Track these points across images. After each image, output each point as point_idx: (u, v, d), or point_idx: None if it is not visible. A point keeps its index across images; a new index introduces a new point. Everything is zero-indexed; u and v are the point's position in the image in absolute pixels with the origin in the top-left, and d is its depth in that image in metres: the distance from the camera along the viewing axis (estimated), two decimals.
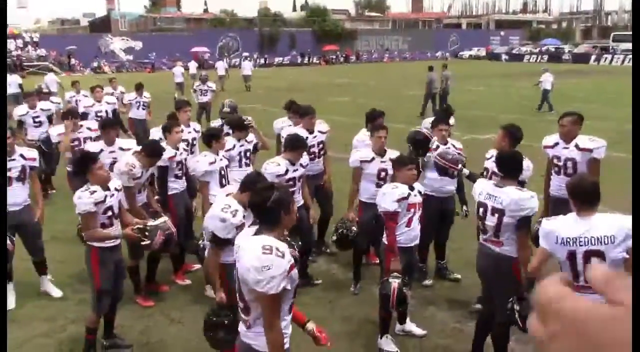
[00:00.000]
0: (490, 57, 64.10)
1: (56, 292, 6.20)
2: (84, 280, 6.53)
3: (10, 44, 48.92)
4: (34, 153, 6.11)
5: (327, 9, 73.16)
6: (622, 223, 3.43)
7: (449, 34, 79.04)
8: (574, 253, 3.51)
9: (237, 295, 3.21)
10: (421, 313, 5.67)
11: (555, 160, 5.83)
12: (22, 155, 5.89)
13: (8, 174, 5.67)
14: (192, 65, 29.94)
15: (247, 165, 6.84)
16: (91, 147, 6.48)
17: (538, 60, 58.48)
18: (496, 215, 4.37)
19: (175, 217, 6.14)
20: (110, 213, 4.85)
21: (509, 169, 4.47)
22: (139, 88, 12.92)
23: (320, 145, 7.03)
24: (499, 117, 17.85)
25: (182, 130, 6.67)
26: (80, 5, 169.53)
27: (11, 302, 5.92)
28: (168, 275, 6.58)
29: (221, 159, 6.25)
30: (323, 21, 68.26)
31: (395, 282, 4.76)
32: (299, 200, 6.12)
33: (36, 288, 6.18)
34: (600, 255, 3.42)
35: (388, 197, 4.89)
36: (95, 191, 4.64)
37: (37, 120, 9.65)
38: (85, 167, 4.75)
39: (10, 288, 6.01)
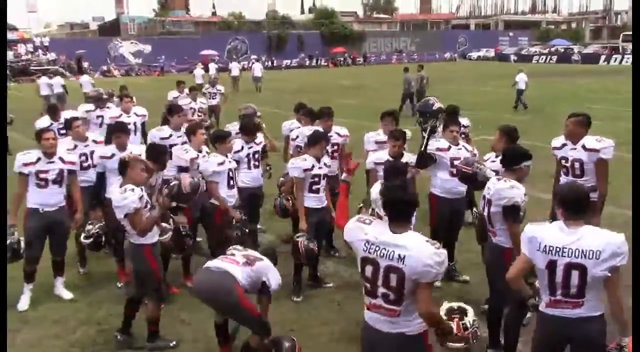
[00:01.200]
0: (499, 58, 63.87)
1: (67, 295, 6.21)
2: (93, 282, 6.59)
3: (21, 49, 49.31)
4: (73, 157, 6.18)
5: (335, 11, 73.32)
6: (610, 239, 3.27)
7: (458, 34, 78.93)
8: (555, 263, 3.32)
9: (383, 286, 3.24)
10: None
11: (563, 162, 5.80)
12: (61, 159, 5.96)
13: (45, 175, 5.82)
14: (212, 67, 31.07)
15: (255, 167, 6.88)
16: (103, 151, 6.43)
17: (547, 61, 58.25)
18: (487, 206, 4.64)
19: (190, 219, 6.24)
20: (149, 206, 5.02)
21: (508, 161, 4.63)
22: (191, 90, 12.82)
23: (335, 147, 7.04)
24: (508, 118, 17.80)
25: (204, 133, 6.70)
26: (90, 10, 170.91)
27: (24, 304, 5.96)
28: (176, 277, 6.60)
29: (230, 161, 6.29)
30: (331, 23, 68.36)
31: (300, 239, 5.74)
32: (323, 200, 6.19)
33: (47, 290, 6.19)
34: (583, 269, 3.26)
35: (297, 167, 5.89)
36: (133, 188, 4.81)
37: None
38: (126, 168, 4.94)
39: (26, 290, 6.02)
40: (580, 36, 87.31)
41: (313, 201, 6.07)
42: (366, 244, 3.27)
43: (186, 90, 13.26)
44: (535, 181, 6.04)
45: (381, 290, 3.24)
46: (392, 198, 3.28)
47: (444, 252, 3.19)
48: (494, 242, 4.67)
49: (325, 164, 6.17)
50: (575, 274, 3.29)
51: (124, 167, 4.97)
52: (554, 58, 58.95)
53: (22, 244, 5.75)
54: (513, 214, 4.45)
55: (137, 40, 57.44)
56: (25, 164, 5.82)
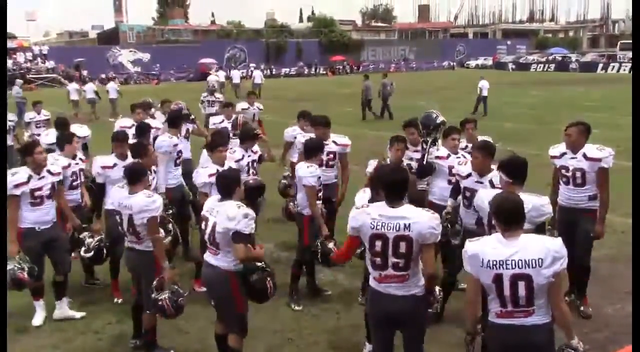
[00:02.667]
0: (497, 66, 64.09)
1: (78, 314, 6.00)
2: (90, 291, 6.56)
3: (20, 57, 49.39)
4: (57, 167, 5.88)
5: (334, 19, 73.58)
6: (549, 246, 3.32)
7: (456, 43, 79.24)
8: (501, 277, 3.32)
9: (393, 255, 3.76)
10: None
11: (563, 171, 5.74)
12: (49, 171, 5.69)
13: (40, 193, 5.55)
14: (221, 75, 32.75)
15: (254, 175, 6.87)
16: (104, 161, 6.23)
17: (545, 69, 58.46)
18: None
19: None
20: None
21: (520, 173, 4.42)
22: (250, 96, 12.04)
23: (331, 155, 7.00)
24: (506, 126, 17.84)
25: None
26: (89, 18, 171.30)
27: (39, 319, 5.79)
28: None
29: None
30: (330, 32, 68.62)
31: (331, 244, 5.76)
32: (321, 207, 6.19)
33: (45, 299, 6.14)
34: (528, 279, 3.28)
35: (314, 176, 5.89)
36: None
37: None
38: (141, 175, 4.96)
39: (38, 306, 5.85)
40: (578, 44, 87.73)
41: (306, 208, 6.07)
42: (372, 222, 3.77)
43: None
44: (537, 190, 6.00)
45: (392, 260, 3.76)
46: (388, 179, 3.86)
47: (437, 214, 3.86)
48: None
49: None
50: (521, 285, 3.30)
51: (138, 174, 4.93)
52: (552, 66, 59.18)
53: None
54: (544, 228, 4.44)
55: (136, 49, 57.58)
56: (17, 185, 5.41)
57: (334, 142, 7.06)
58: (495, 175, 5.00)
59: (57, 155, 6.30)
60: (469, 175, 5.39)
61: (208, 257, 4.57)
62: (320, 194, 6.10)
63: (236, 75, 33.78)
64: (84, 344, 5.45)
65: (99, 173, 6.15)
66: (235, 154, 6.66)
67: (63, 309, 5.94)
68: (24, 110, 18.65)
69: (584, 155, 5.55)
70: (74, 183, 6.45)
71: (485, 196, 4.36)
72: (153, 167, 6.03)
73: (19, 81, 25.57)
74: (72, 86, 24.36)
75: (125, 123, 8.75)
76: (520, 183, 4.39)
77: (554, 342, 3.48)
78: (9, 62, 47.20)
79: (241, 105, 11.41)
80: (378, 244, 3.77)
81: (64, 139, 6.53)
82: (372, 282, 3.96)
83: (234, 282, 4.47)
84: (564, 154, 5.72)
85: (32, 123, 12.08)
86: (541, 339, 3.40)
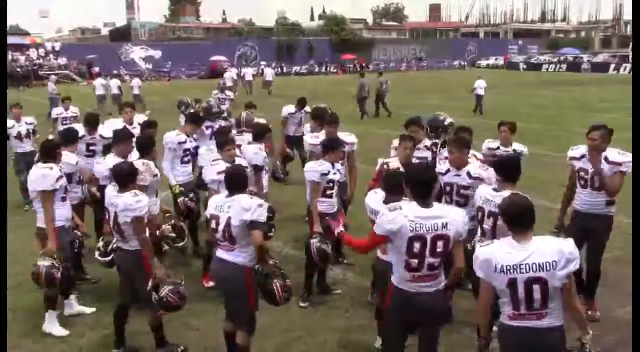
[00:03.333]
0: (508, 66, 63.79)
1: (89, 309, 6.06)
2: (100, 287, 6.60)
3: (33, 53, 49.71)
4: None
5: (345, 18, 73.46)
6: (562, 247, 3.30)
7: (467, 42, 78.93)
8: (515, 281, 3.31)
9: (430, 256, 3.77)
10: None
11: (581, 173, 5.62)
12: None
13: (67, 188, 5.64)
14: (233, 72, 34.46)
15: (266, 171, 6.94)
16: (112, 162, 5.95)
17: (557, 70, 58.12)
18: (491, 218, 4.53)
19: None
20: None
21: (506, 172, 4.52)
22: (300, 102, 10.95)
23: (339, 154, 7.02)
24: (522, 126, 17.72)
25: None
26: (101, 15, 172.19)
27: (58, 330, 5.59)
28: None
29: None
30: (341, 30, 68.50)
31: (313, 241, 5.70)
32: (335, 205, 6.24)
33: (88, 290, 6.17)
34: (543, 282, 3.27)
35: (314, 171, 5.96)
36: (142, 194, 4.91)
37: None
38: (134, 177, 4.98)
39: (53, 317, 5.64)
40: (589, 45, 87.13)
41: (325, 205, 6.07)
42: (411, 224, 3.72)
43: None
44: (548, 190, 5.99)
45: (428, 260, 3.77)
46: (418, 179, 3.87)
47: (465, 211, 4.02)
48: None
49: (338, 170, 6.22)
50: (536, 288, 3.29)
51: (131, 176, 4.91)
52: (564, 66, 58.81)
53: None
54: None
55: (147, 46, 57.77)
56: (57, 179, 5.39)
57: (342, 141, 7.08)
58: (472, 167, 5.33)
59: (65, 152, 6.06)
60: (448, 170, 5.51)
61: (221, 253, 4.56)
62: (331, 191, 6.12)
63: (249, 72, 34.62)
64: (93, 339, 5.49)
65: (106, 175, 5.93)
66: (252, 151, 6.75)
67: (73, 305, 5.99)
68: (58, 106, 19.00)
69: (605, 159, 5.40)
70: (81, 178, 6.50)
71: (481, 193, 4.64)
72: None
73: (53, 77, 26.52)
74: (99, 81, 25.27)
75: (115, 125, 8.14)
76: (512, 181, 4.46)
77: (565, 344, 3.47)
78: (21, 58, 47.58)
79: (287, 109, 10.80)
80: (417, 245, 3.75)
81: (68, 138, 6.44)
82: (400, 284, 3.91)
83: (249, 278, 4.49)
84: (583, 156, 5.59)
85: (59, 119, 12.03)
86: (553, 342, 3.39)
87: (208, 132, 8.38)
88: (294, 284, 6.37)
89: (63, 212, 5.53)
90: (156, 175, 5.89)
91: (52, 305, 5.57)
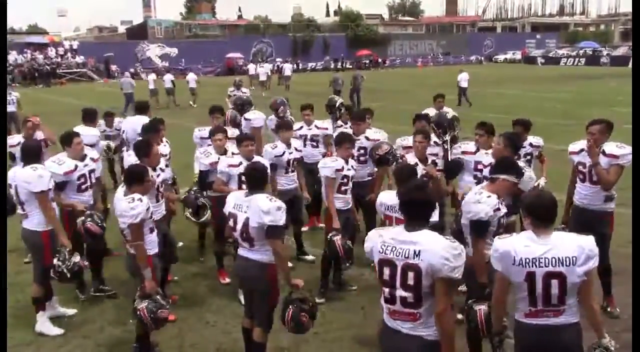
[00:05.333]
0: (526, 60, 63.19)
1: (70, 311, 5.98)
2: (119, 284, 6.65)
3: (51, 52, 50.20)
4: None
5: (361, 14, 73.22)
6: (582, 244, 3.26)
7: (484, 37, 78.24)
8: (533, 275, 3.26)
9: (401, 287, 3.23)
10: None
11: (580, 167, 5.62)
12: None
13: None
14: (267, 68, 35.88)
15: (292, 171, 6.98)
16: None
17: (575, 63, 57.45)
18: (460, 217, 4.56)
19: (216, 218, 6.18)
20: (153, 217, 5.12)
21: (491, 170, 4.56)
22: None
23: (362, 151, 7.00)
24: (540, 121, 17.57)
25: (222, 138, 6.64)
26: (118, 13, 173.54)
27: (50, 329, 5.56)
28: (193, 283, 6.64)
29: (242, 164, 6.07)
30: (356, 26, 68.27)
31: (336, 238, 5.72)
32: (349, 201, 6.27)
33: (73, 291, 6.26)
34: (561, 277, 3.23)
35: (329, 167, 5.96)
36: (141, 198, 4.82)
37: None
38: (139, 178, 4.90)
39: (45, 318, 5.60)
40: (609, 38, 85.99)
41: (340, 202, 6.09)
42: (382, 246, 3.31)
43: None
44: (564, 184, 5.93)
45: (400, 293, 3.24)
46: (407, 199, 3.34)
47: (461, 246, 3.22)
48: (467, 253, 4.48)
49: (352, 167, 6.23)
50: (554, 283, 3.25)
51: (134, 176, 4.86)
52: (582, 60, 58.06)
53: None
54: (477, 229, 4.27)
55: (164, 44, 58.07)
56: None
57: (366, 137, 7.04)
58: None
59: (63, 157, 5.96)
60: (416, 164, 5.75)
61: (243, 251, 4.56)
62: (346, 187, 6.11)
63: (266, 67, 36.00)
64: (112, 334, 5.55)
65: None
66: (276, 150, 6.76)
67: (54, 307, 5.87)
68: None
69: (603, 152, 5.38)
70: (83, 186, 6.05)
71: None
72: (159, 166, 5.85)
73: (127, 74, 27.85)
74: (151, 77, 27.65)
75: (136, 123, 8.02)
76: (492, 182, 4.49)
77: (582, 342, 3.43)
78: (39, 57, 48.05)
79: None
80: (386, 271, 3.29)
81: (64, 140, 6.05)
82: (384, 315, 3.46)
83: (271, 273, 4.51)
84: (582, 150, 5.58)
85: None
86: (570, 339, 3.36)
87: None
88: (312, 278, 6.44)
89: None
90: (157, 175, 5.72)
91: (41, 307, 5.56)
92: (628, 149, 5.32)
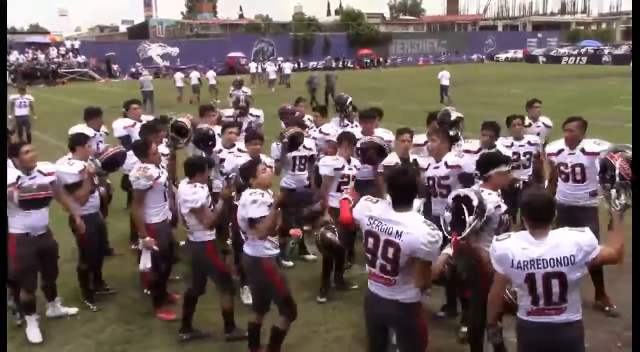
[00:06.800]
0: (527, 59, 63.12)
1: (72, 310, 5.93)
2: (120, 283, 6.66)
3: (52, 52, 50.23)
4: (50, 167, 5.56)
5: (362, 13, 73.21)
6: (579, 240, 3.25)
7: (485, 36, 78.22)
8: (533, 276, 3.28)
9: (381, 257, 3.58)
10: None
11: (561, 168, 5.72)
12: (40, 171, 5.36)
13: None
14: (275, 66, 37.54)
15: (300, 170, 6.93)
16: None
17: (577, 62, 57.38)
18: None
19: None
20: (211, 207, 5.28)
21: (479, 169, 4.58)
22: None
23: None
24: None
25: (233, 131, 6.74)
26: (119, 13, 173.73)
27: (36, 336, 5.40)
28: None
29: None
30: (357, 25, 68.31)
31: (320, 231, 5.77)
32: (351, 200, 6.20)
33: (75, 290, 6.24)
34: (562, 276, 3.25)
35: (328, 165, 6.05)
36: (203, 186, 5.13)
37: None
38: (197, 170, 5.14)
39: (31, 321, 5.46)
40: (611, 37, 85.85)
41: (337, 201, 6.07)
42: (370, 219, 3.64)
43: None
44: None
45: (379, 261, 3.60)
46: (394, 182, 3.62)
47: (439, 233, 3.46)
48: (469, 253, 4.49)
49: (355, 166, 6.21)
50: (555, 283, 3.26)
51: (195, 167, 5.14)
52: (584, 59, 58.01)
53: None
54: (482, 226, 4.23)
55: (165, 43, 58.10)
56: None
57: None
58: (450, 156, 5.52)
59: (70, 158, 5.88)
60: (429, 166, 5.68)
61: (244, 247, 4.77)
62: (346, 187, 6.09)
63: (271, 71, 36.50)
64: (114, 334, 5.55)
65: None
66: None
67: (56, 307, 5.84)
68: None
69: (582, 150, 5.52)
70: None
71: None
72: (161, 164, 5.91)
73: (146, 72, 30.03)
74: (178, 75, 29.51)
75: (125, 123, 8.15)
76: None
77: (583, 339, 3.44)
78: (41, 57, 48.10)
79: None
80: (370, 241, 3.64)
81: (75, 141, 6.02)
82: (368, 281, 3.83)
83: (267, 267, 4.64)
84: (561, 150, 5.70)
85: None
86: (572, 336, 3.37)
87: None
88: (313, 278, 6.43)
89: (25, 220, 5.23)
90: (157, 178, 5.61)
91: (31, 310, 5.45)
92: (606, 145, 5.29)
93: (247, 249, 4.70)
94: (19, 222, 5.19)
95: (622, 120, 5.84)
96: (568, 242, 3.26)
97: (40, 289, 5.65)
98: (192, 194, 4.97)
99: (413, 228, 3.43)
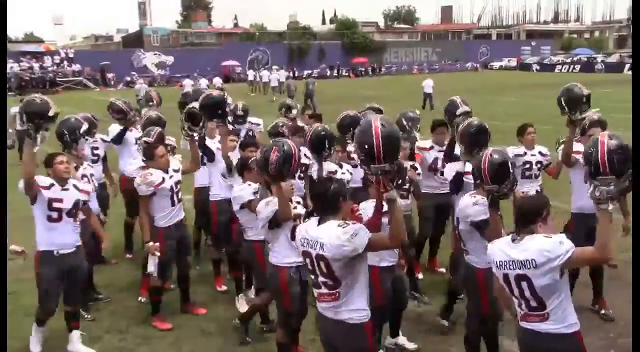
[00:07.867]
0: (521, 67, 63.45)
1: (85, 349, 5.35)
2: (116, 291, 6.64)
3: (47, 60, 50.21)
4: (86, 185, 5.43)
5: (356, 21, 73.52)
6: (541, 246, 3.19)
7: (479, 44, 78.56)
8: (508, 277, 3.33)
9: (320, 274, 3.52)
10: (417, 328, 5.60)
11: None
12: (75, 186, 5.13)
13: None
14: (282, 75, 38.77)
15: (300, 178, 6.85)
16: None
17: (570, 70, 57.70)
18: (457, 223, 4.56)
19: (214, 225, 6.54)
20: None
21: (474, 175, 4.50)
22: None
23: None
24: (538, 128, 17.59)
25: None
26: (114, 22, 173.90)
27: (35, 347, 5.25)
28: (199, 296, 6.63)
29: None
30: (352, 34, 68.53)
31: None
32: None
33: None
34: (528, 279, 3.23)
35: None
36: (251, 184, 5.28)
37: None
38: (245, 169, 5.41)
39: (37, 332, 5.26)
40: (603, 45, 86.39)
41: None
42: (302, 240, 3.62)
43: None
44: (559, 192, 5.97)
45: (320, 279, 3.54)
46: (314, 192, 3.65)
47: (354, 226, 3.40)
48: (467, 261, 4.54)
49: (347, 171, 6.17)
50: (524, 285, 3.27)
51: (243, 168, 5.42)
52: (577, 67, 58.36)
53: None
54: (484, 227, 4.25)
55: (160, 52, 58.16)
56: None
57: None
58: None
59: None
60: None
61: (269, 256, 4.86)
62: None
63: (266, 76, 38.90)
64: (109, 343, 5.51)
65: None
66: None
67: (73, 342, 5.34)
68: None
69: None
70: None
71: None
72: (172, 168, 5.75)
73: (140, 81, 30.46)
74: (188, 82, 31.35)
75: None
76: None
77: None
78: (36, 66, 48.06)
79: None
80: (308, 261, 3.60)
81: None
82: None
83: (282, 278, 4.63)
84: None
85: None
86: (560, 348, 3.29)
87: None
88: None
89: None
90: (160, 183, 5.53)
91: (41, 324, 5.25)
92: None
93: (270, 258, 4.76)
94: (43, 238, 4.97)
95: (617, 127, 5.83)
96: (532, 247, 3.23)
97: (64, 316, 5.30)
98: (238, 191, 5.24)
99: (327, 235, 3.41)
